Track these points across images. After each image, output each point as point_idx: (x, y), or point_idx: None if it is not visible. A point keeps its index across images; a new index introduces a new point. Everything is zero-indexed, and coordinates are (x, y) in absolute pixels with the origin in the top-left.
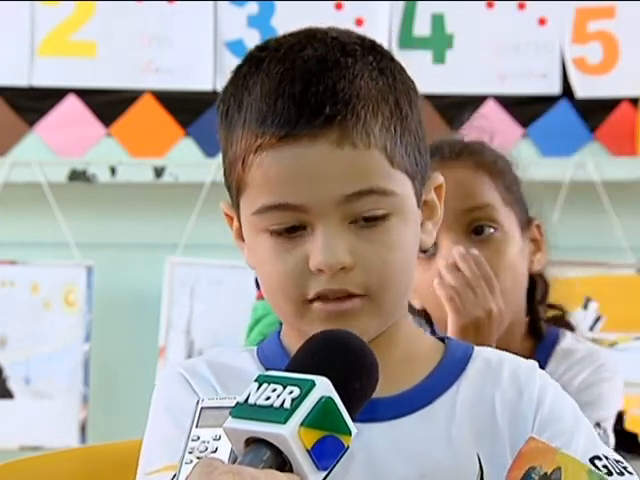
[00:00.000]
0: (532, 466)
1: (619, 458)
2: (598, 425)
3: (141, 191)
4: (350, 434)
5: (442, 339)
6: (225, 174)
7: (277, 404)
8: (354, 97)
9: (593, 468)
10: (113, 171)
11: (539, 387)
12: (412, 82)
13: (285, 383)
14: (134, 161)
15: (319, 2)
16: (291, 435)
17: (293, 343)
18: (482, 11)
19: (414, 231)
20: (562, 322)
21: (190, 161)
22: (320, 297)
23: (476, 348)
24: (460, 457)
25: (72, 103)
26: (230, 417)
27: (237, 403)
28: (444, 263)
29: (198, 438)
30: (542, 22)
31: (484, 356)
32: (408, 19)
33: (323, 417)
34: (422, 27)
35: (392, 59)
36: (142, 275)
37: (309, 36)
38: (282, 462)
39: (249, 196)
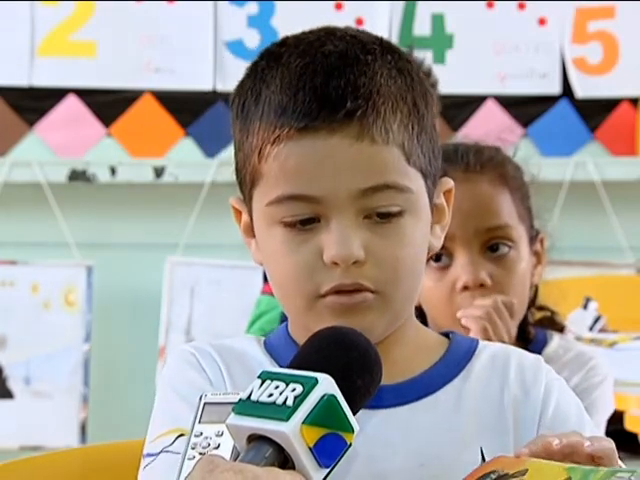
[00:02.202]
0: (493, 470)
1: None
2: None
3: (141, 191)
4: (353, 431)
5: (446, 334)
6: (237, 167)
7: (280, 401)
8: (375, 93)
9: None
10: (113, 171)
11: (545, 385)
12: (428, 85)
13: (288, 380)
14: (134, 161)
15: (319, 2)
16: (293, 433)
17: (299, 337)
18: (482, 11)
19: (425, 230)
20: (552, 323)
21: (190, 161)
22: (332, 292)
23: (481, 342)
24: (461, 449)
25: (72, 103)
26: (233, 413)
27: (240, 399)
28: (471, 301)
29: (201, 434)
30: (542, 22)
31: (490, 350)
32: (408, 19)
33: (325, 415)
34: (422, 27)
35: (409, 61)
36: (142, 275)
37: (328, 33)
38: (284, 459)
39: (264, 187)
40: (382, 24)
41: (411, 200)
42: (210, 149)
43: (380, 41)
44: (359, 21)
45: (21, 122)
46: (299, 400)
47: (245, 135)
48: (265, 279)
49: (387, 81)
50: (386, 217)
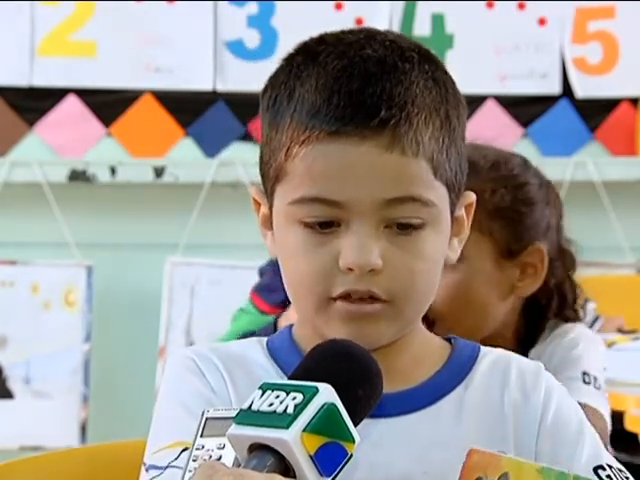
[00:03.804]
0: (478, 477)
1: (622, 467)
2: (586, 374)
3: (141, 191)
4: (353, 441)
5: (448, 339)
6: (262, 160)
7: (280, 410)
8: (409, 103)
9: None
10: (113, 171)
11: (545, 392)
12: (461, 96)
13: (288, 390)
14: (134, 161)
15: (319, 2)
16: (294, 440)
17: (304, 339)
18: (482, 11)
19: (444, 244)
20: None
21: (190, 161)
22: (344, 296)
23: (482, 348)
24: (463, 457)
25: (72, 103)
26: (233, 424)
27: (240, 410)
28: None
29: (203, 447)
30: (542, 22)
31: (490, 356)
32: (408, 19)
33: (326, 423)
34: (422, 27)
35: (445, 71)
36: (142, 275)
37: (368, 36)
38: (285, 468)
39: (288, 185)
40: (382, 24)
41: (433, 214)
42: (210, 149)
43: (419, 48)
44: (359, 21)
45: (21, 122)
46: (299, 408)
47: (274, 130)
48: (260, 275)
49: (422, 92)
50: (407, 229)
